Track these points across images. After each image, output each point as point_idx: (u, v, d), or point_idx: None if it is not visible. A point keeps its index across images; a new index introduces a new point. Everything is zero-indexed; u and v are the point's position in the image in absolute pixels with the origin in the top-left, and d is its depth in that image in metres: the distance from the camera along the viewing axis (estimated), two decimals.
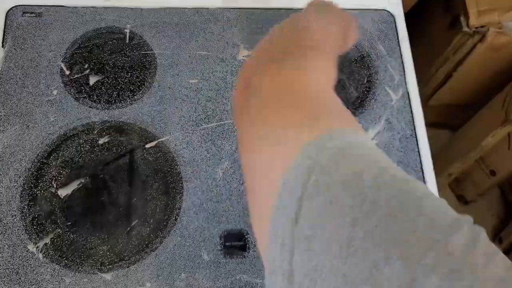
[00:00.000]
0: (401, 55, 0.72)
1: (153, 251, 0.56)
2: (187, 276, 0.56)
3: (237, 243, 0.58)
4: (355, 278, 0.20)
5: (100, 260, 0.55)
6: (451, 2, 0.97)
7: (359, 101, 0.69)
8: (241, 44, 0.69)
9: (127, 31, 0.68)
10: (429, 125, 0.69)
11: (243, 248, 0.58)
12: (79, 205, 0.58)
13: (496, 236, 1.22)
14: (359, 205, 0.21)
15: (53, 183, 0.58)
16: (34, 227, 0.56)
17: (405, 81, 0.70)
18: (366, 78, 0.70)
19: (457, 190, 1.30)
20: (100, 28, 0.68)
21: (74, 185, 0.58)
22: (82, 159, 0.60)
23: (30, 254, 0.55)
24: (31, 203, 0.57)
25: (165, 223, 0.58)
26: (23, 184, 0.58)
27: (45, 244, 0.55)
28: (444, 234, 0.20)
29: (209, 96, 0.65)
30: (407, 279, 0.19)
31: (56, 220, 0.56)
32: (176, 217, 0.58)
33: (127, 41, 0.68)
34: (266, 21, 0.72)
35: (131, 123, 0.62)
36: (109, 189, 0.59)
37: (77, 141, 0.61)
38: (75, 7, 0.69)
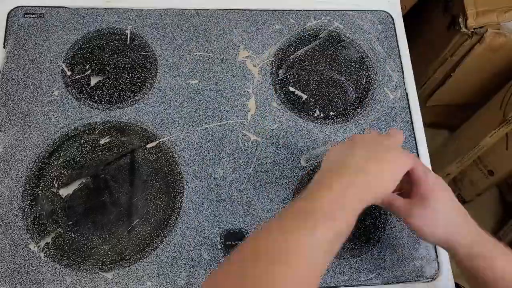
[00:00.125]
0: (400, 55, 0.73)
1: (154, 251, 0.57)
2: (187, 275, 0.56)
3: (237, 242, 0.58)
4: None
5: (101, 259, 0.56)
6: (450, 3, 0.98)
7: (358, 101, 0.69)
8: (241, 45, 0.70)
9: (128, 32, 0.69)
10: (427, 125, 0.69)
11: None
12: (80, 204, 0.58)
13: (494, 236, 1.22)
14: None
15: (54, 183, 0.59)
16: (36, 226, 0.56)
17: (404, 82, 0.71)
18: (365, 79, 0.71)
19: (455, 190, 1.30)
20: (101, 29, 0.68)
21: (75, 185, 0.59)
22: (83, 159, 0.60)
23: (31, 254, 0.55)
24: (32, 203, 0.57)
25: (165, 223, 0.58)
26: (25, 183, 0.58)
27: (47, 243, 0.56)
28: None
29: (209, 97, 0.66)
30: None
31: (57, 219, 0.57)
32: (177, 216, 0.59)
33: (128, 42, 0.68)
34: (266, 22, 0.72)
35: (132, 123, 0.63)
36: (110, 189, 0.59)
37: (78, 141, 0.61)
38: (77, 8, 0.69)
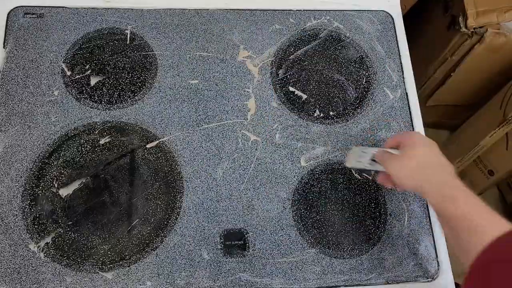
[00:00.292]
0: (400, 55, 0.73)
1: (154, 250, 0.57)
2: (187, 275, 0.56)
3: (237, 242, 0.58)
4: None
5: (101, 259, 0.56)
6: (450, 3, 0.98)
7: (358, 101, 0.69)
8: (241, 45, 0.70)
9: (128, 32, 0.69)
10: (427, 125, 0.69)
11: (243, 247, 0.58)
12: (80, 204, 0.58)
13: None
14: None
15: (54, 183, 0.59)
16: (36, 226, 0.56)
17: (404, 82, 0.71)
18: (365, 79, 0.71)
19: None
20: (101, 29, 0.68)
21: (75, 185, 0.59)
22: (83, 159, 0.60)
23: (31, 254, 0.55)
24: (32, 203, 0.57)
25: (165, 223, 0.58)
26: (25, 183, 0.58)
27: (46, 243, 0.56)
28: None
29: (209, 97, 0.66)
30: None
31: (57, 219, 0.57)
32: (177, 216, 0.59)
33: (128, 42, 0.68)
34: (266, 22, 0.72)
35: (132, 123, 0.63)
36: (110, 189, 0.59)
37: (78, 141, 0.61)
38: (76, 8, 0.69)
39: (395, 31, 0.75)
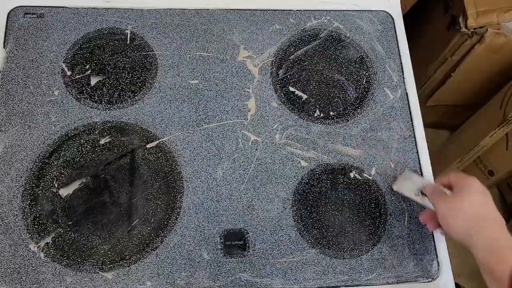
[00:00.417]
0: (400, 56, 0.73)
1: (154, 250, 0.57)
2: (187, 275, 0.56)
3: (237, 242, 0.58)
4: None
5: (101, 259, 0.56)
6: (450, 3, 0.98)
7: (358, 101, 0.69)
8: (241, 45, 0.70)
9: (128, 32, 0.69)
10: (427, 125, 0.69)
11: (243, 247, 0.58)
12: (80, 204, 0.58)
13: None
14: None
15: (54, 183, 0.59)
16: (36, 226, 0.56)
17: (404, 82, 0.71)
18: (365, 79, 0.71)
19: None
20: (102, 29, 0.68)
21: (75, 185, 0.59)
22: (83, 159, 0.60)
23: (31, 254, 0.55)
24: (32, 203, 0.57)
25: (165, 223, 0.58)
26: (25, 183, 0.58)
27: (47, 243, 0.56)
28: None
29: (209, 97, 0.66)
30: None
31: (57, 219, 0.57)
32: (177, 216, 0.59)
33: (128, 42, 0.68)
34: (266, 22, 0.72)
35: (132, 123, 0.63)
36: (110, 189, 0.59)
37: (78, 141, 0.61)
38: (77, 8, 0.69)
39: (395, 31, 0.75)
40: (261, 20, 0.72)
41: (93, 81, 0.65)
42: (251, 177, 0.62)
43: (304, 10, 0.74)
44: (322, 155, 0.64)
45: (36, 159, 0.59)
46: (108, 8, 0.70)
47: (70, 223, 0.57)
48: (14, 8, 0.68)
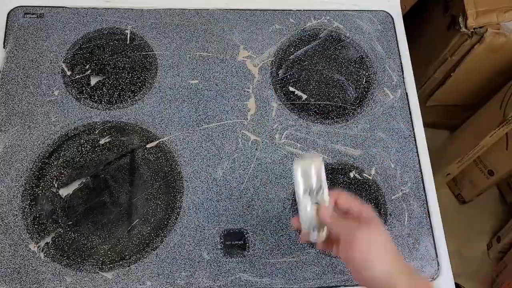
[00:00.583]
0: (400, 55, 0.73)
1: (154, 250, 0.57)
2: (187, 275, 0.56)
3: (237, 242, 0.58)
4: None
5: (101, 259, 0.56)
6: (450, 3, 0.98)
7: (358, 101, 0.69)
8: (241, 45, 0.70)
9: (128, 32, 0.69)
10: (427, 125, 0.69)
11: (243, 247, 0.58)
12: (80, 204, 0.58)
13: (494, 235, 1.23)
14: None
15: (54, 182, 0.59)
16: (36, 226, 0.56)
17: (404, 82, 0.71)
18: (365, 79, 0.71)
19: (455, 190, 1.30)
20: (101, 29, 0.68)
21: (75, 185, 0.59)
22: (83, 159, 0.60)
23: (31, 253, 0.55)
24: (32, 203, 0.57)
25: (165, 223, 0.58)
26: (25, 183, 0.58)
27: (46, 243, 0.56)
28: None
29: (209, 97, 0.66)
30: None
31: (57, 219, 0.57)
32: (177, 216, 0.59)
33: (128, 42, 0.68)
34: (266, 22, 0.72)
35: (132, 123, 0.63)
36: (110, 189, 0.59)
37: (78, 141, 0.61)
38: (76, 8, 0.69)
39: (395, 31, 0.75)
40: (261, 20, 0.72)
41: (93, 81, 0.65)
42: (251, 177, 0.62)
43: (304, 10, 0.74)
44: (322, 155, 0.64)
45: (36, 159, 0.59)
46: (108, 8, 0.70)
47: (70, 223, 0.57)
48: (14, 8, 0.68)
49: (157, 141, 0.62)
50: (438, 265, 0.60)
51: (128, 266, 0.56)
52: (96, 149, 0.61)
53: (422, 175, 0.65)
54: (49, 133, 0.61)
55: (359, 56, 0.72)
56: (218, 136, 0.64)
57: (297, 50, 0.71)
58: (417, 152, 0.66)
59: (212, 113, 0.65)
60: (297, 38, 0.72)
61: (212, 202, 0.60)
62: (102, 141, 0.61)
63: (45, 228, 0.56)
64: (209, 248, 0.58)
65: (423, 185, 0.65)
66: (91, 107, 0.63)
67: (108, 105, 0.64)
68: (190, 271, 0.56)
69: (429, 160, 0.66)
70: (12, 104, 0.62)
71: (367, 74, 0.71)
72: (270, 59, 0.70)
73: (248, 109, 0.66)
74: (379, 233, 0.43)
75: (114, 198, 0.59)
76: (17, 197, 0.57)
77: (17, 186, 0.58)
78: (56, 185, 0.58)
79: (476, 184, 1.22)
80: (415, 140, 0.67)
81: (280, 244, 0.59)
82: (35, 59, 0.65)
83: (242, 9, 0.73)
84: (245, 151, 0.63)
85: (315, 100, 0.68)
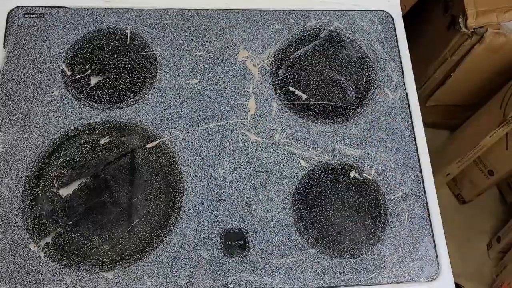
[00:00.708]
0: (400, 55, 0.73)
1: (154, 250, 0.57)
2: (187, 275, 0.56)
3: (237, 242, 0.58)
4: None
5: (101, 259, 0.56)
6: (450, 3, 0.98)
7: (358, 101, 0.69)
8: (241, 45, 0.70)
9: (128, 32, 0.69)
10: (427, 125, 0.69)
11: (243, 247, 0.58)
12: (80, 204, 0.58)
13: (494, 235, 1.23)
14: None
15: (54, 182, 0.59)
16: (36, 226, 0.56)
17: (404, 82, 0.71)
18: (364, 79, 0.71)
19: (455, 190, 1.30)
20: (101, 29, 0.68)
21: (75, 185, 0.59)
22: (83, 159, 0.60)
23: (31, 253, 0.55)
24: (32, 203, 0.57)
25: (165, 223, 0.58)
26: (25, 183, 0.58)
27: (47, 243, 0.56)
28: None
29: (209, 97, 0.66)
30: None
31: (57, 219, 0.57)
32: (177, 216, 0.59)
33: (128, 42, 0.68)
34: (266, 22, 0.72)
35: (132, 123, 0.63)
36: (110, 189, 0.59)
37: (78, 141, 0.61)
38: (77, 8, 0.69)
39: (395, 31, 0.75)
40: (261, 20, 0.72)
41: (93, 81, 0.65)
42: (251, 177, 0.62)
43: (304, 10, 0.74)
44: (322, 155, 0.64)
45: (36, 159, 0.59)
46: (108, 8, 0.70)
47: (70, 223, 0.57)
48: (14, 8, 0.68)
49: (157, 141, 0.62)
50: (438, 265, 0.60)
51: (128, 266, 0.56)
52: (96, 149, 0.61)
53: (422, 175, 0.65)
54: (49, 133, 0.61)
55: (359, 56, 0.72)
56: (218, 136, 0.64)
57: (297, 50, 0.71)
58: (417, 152, 0.66)
59: (212, 113, 0.65)
60: (297, 38, 0.72)
61: (212, 202, 0.60)
62: (102, 141, 0.62)
63: (45, 228, 0.56)
64: (209, 248, 0.58)
65: (423, 185, 0.65)
66: (91, 107, 0.63)
67: (108, 105, 0.64)
68: (190, 271, 0.56)
69: (429, 160, 0.66)
70: (12, 104, 0.62)
71: (367, 74, 0.71)
72: (270, 59, 0.70)
73: (248, 109, 0.66)
74: None
75: (114, 198, 0.59)
76: (17, 197, 0.57)
77: (17, 186, 0.58)
78: (56, 185, 0.58)
79: (476, 184, 1.22)
80: (415, 140, 0.67)
81: (280, 244, 0.59)
82: (35, 59, 0.65)
83: (242, 9, 0.73)
84: (245, 151, 0.63)
85: (315, 100, 0.69)
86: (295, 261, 0.58)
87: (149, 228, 0.58)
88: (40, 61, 0.65)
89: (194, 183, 0.61)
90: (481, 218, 1.28)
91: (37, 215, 0.57)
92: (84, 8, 0.69)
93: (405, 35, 0.75)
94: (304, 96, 0.69)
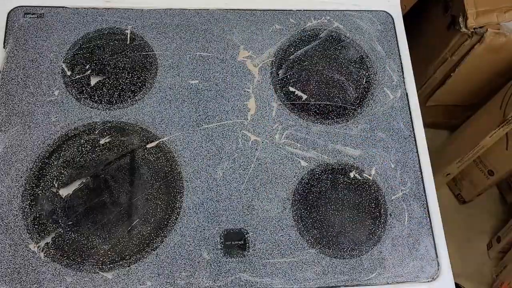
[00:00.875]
0: (400, 56, 0.73)
1: (154, 250, 0.57)
2: (187, 275, 0.56)
3: (237, 242, 0.58)
4: None
5: (101, 259, 0.56)
6: (450, 3, 0.98)
7: (358, 101, 0.69)
8: (241, 45, 0.70)
9: (128, 32, 0.69)
10: (427, 125, 0.69)
11: (243, 247, 0.58)
12: (80, 204, 0.58)
13: (494, 235, 1.23)
14: None
15: (54, 182, 0.59)
16: (36, 226, 0.56)
17: (404, 82, 0.71)
18: (365, 79, 0.71)
19: (455, 190, 1.30)
20: (102, 29, 0.68)
21: (75, 185, 0.59)
22: (83, 159, 0.60)
23: (31, 254, 0.55)
24: (32, 203, 0.57)
25: (165, 223, 0.58)
26: (25, 183, 0.58)
27: (47, 243, 0.56)
28: None
29: (209, 97, 0.66)
30: None
31: (57, 219, 0.57)
32: (177, 216, 0.59)
33: (128, 42, 0.68)
34: (266, 22, 0.72)
35: (132, 123, 0.63)
36: (110, 189, 0.59)
37: (78, 141, 0.61)
38: (77, 8, 0.69)
39: (395, 31, 0.75)
40: (261, 20, 0.72)
41: (93, 81, 0.65)
42: (251, 177, 0.62)
43: (304, 10, 0.74)
44: (322, 155, 0.64)
45: (36, 159, 0.59)
46: (108, 8, 0.70)
47: (70, 223, 0.57)
48: (14, 8, 0.68)
49: (157, 141, 0.62)
50: (438, 265, 0.60)
51: (128, 266, 0.56)
52: (96, 149, 0.61)
53: (422, 175, 0.65)
54: (49, 133, 0.61)
55: (359, 56, 0.72)
56: (218, 136, 0.64)
57: (297, 50, 0.71)
58: (417, 152, 0.66)
59: (212, 113, 0.65)
60: (297, 38, 0.72)
61: (212, 202, 0.60)
62: (102, 141, 0.62)
63: (45, 228, 0.56)
64: (209, 248, 0.58)
65: (423, 185, 0.65)
66: (91, 107, 0.63)
67: (108, 105, 0.64)
68: (190, 271, 0.56)
69: (429, 160, 0.66)
70: (12, 104, 0.62)
71: (367, 74, 0.71)
72: (270, 59, 0.70)
73: (248, 109, 0.66)
74: None
75: (114, 198, 0.59)
76: (17, 197, 0.57)
77: (17, 186, 0.58)
78: (56, 185, 0.58)
79: (476, 184, 1.22)
80: (415, 140, 0.67)
81: (280, 244, 0.59)
82: (35, 59, 0.65)
83: (242, 9, 0.73)
84: (245, 151, 0.63)
85: (315, 100, 0.69)
86: (295, 261, 0.58)
87: (149, 228, 0.58)
88: (40, 61, 0.65)
89: (194, 183, 0.61)
90: (481, 218, 1.28)
91: (37, 215, 0.57)
92: (84, 8, 0.69)
93: (405, 35, 0.75)
94: (304, 96, 0.69)
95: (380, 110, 0.68)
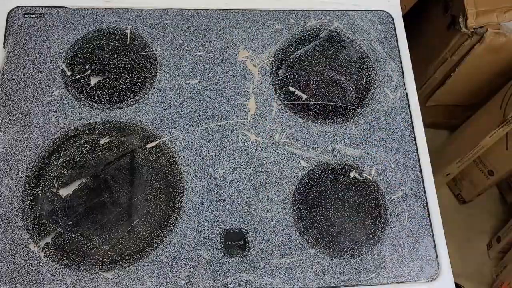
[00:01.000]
0: (400, 56, 0.73)
1: (154, 250, 0.57)
2: (187, 275, 0.56)
3: (237, 242, 0.58)
4: None
5: (101, 259, 0.56)
6: (450, 3, 0.98)
7: (358, 101, 0.69)
8: (241, 45, 0.70)
9: (128, 32, 0.69)
10: (427, 125, 0.69)
11: (243, 247, 0.58)
12: (80, 204, 0.58)
13: (494, 235, 1.23)
14: None
15: (54, 182, 0.59)
16: (36, 226, 0.56)
17: (404, 82, 0.71)
18: (365, 79, 0.71)
19: (455, 190, 1.30)
20: (101, 29, 0.68)
21: (75, 185, 0.59)
22: (83, 159, 0.60)
23: (31, 254, 0.55)
24: (32, 203, 0.57)
25: (165, 223, 0.58)
26: (25, 183, 0.58)
27: (46, 243, 0.56)
28: None
29: (209, 97, 0.66)
30: None
31: (57, 219, 0.57)
32: (177, 216, 0.59)
33: (128, 42, 0.68)
34: (266, 22, 0.72)
35: (132, 123, 0.63)
36: (110, 189, 0.59)
37: (78, 141, 0.61)
38: (77, 8, 0.69)
39: (395, 31, 0.75)
40: (261, 20, 0.72)
41: (93, 81, 0.65)
42: (251, 177, 0.62)
43: (304, 10, 0.74)
44: (322, 155, 0.64)
45: (36, 159, 0.59)
46: (108, 8, 0.70)
47: (70, 223, 0.57)
48: (14, 8, 0.68)
49: (157, 141, 0.62)
50: (438, 265, 0.60)
51: (128, 266, 0.56)
52: (96, 149, 0.61)
53: (422, 175, 0.65)
54: (49, 133, 0.61)
55: (359, 56, 0.72)
56: (218, 136, 0.64)
57: (297, 50, 0.71)
58: (417, 152, 0.66)
59: (212, 113, 0.65)
60: (297, 38, 0.72)
61: (212, 202, 0.60)
62: (102, 141, 0.62)
63: (45, 228, 0.56)
64: (209, 248, 0.58)
65: (423, 185, 0.65)
66: (91, 107, 0.63)
67: (108, 105, 0.64)
68: (190, 271, 0.56)
69: (429, 160, 0.66)
70: (12, 104, 0.62)
71: (367, 74, 0.71)
72: (270, 59, 0.70)
73: (248, 109, 0.66)
74: None
75: (114, 198, 0.59)
76: (17, 197, 0.57)
77: (17, 186, 0.58)
78: (56, 185, 0.58)
79: (476, 184, 1.22)
80: (415, 140, 0.67)
81: (280, 244, 0.59)
82: (35, 59, 0.65)
83: (242, 9, 0.73)
84: (245, 151, 0.63)
85: (315, 100, 0.69)
86: (295, 261, 0.58)
87: (149, 228, 0.58)
88: (40, 61, 0.65)
89: (194, 183, 0.61)
90: (481, 218, 1.28)
91: (37, 215, 0.57)
92: (84, 8, 0.69)
93: (405, 35, 0.75)
94: (304, 96, 0.69)
95: (380, 110, 0.68)
